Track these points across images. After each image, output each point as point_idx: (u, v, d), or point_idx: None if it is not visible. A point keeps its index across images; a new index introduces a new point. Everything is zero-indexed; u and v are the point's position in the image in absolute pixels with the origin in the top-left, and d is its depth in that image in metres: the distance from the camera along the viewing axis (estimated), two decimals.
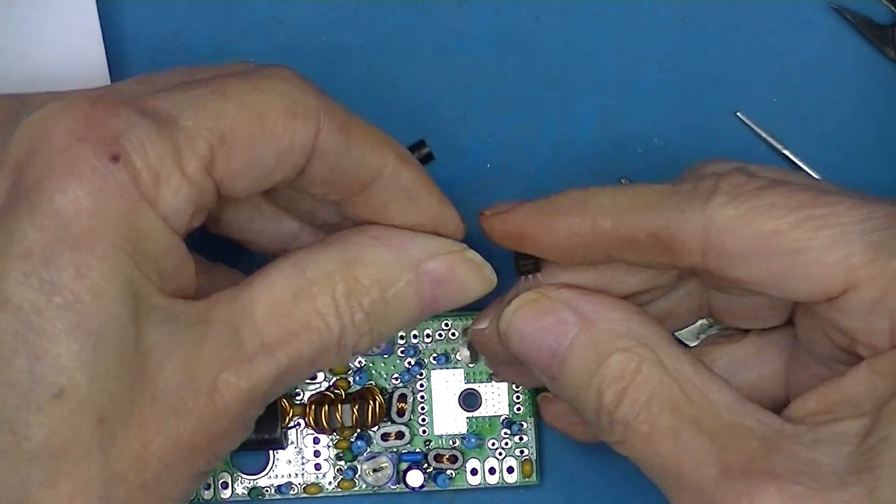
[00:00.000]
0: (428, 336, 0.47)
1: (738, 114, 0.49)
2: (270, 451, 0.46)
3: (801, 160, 0.49)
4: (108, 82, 0.48)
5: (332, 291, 0.39)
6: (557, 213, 0.40)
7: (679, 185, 0.40)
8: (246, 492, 0.46)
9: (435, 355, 0.47)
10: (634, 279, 0.42)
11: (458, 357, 0.47)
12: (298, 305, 0.39)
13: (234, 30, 0.49)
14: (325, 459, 0.46)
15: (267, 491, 0.46)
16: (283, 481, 0.46)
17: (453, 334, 0.47)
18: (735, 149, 0.49)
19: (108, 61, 0.49)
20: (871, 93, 0.50)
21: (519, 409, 0.47)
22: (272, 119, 0.38)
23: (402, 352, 0.47)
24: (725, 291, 0.42)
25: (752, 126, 0.49)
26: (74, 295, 0.35)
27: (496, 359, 0.45)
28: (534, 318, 0.41)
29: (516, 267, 0.42)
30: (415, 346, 0.47)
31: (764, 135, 0.49)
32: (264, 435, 0.45)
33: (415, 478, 0.46)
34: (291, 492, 0.46)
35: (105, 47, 0.49)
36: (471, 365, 0.47)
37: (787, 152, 0.49)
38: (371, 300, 0.40)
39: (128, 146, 0.36)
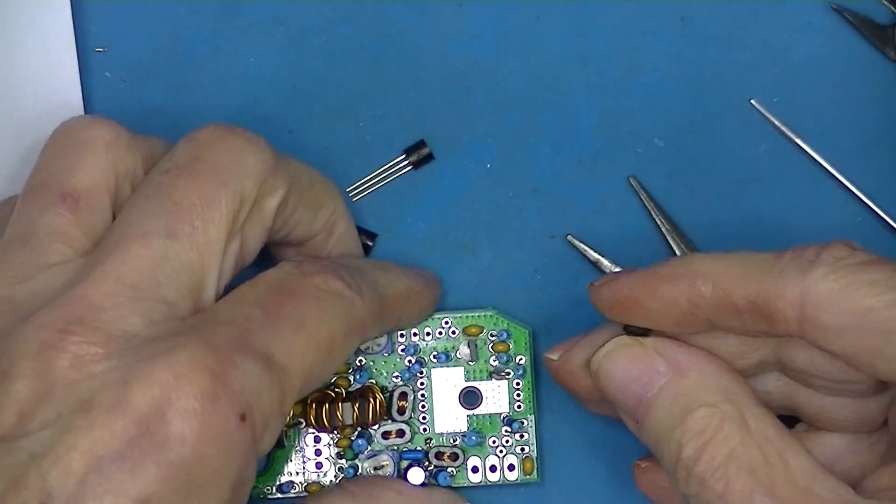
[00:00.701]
0: (428, 334, 0.47)
1: (751, 101, 0.49)
2: (271, 451, 0.46)
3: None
4: (79, 89, 0.48)
5: None
6: (660, 279, 0.41)
7: (782, 254, 0.40)
8: None
9: (435, 353, 0.47)
10: (730, 349, 0.42)
11: (458, 355, 0.47)
12: None
13: (234, 30, 0.49)
14: (326, 458, 0.46)
15: (268, 490, 0.46)
16: (284, 480, 0.46)
17: (453, 332, 0.47)
18: (735, 148, 0.49)
19: (108, 61, 0.49)
20: (871, 93, 0.50)
21: (519, 406, 0.47)
22: (337, 343, 0.41)
23: (402, 350, 0.47)
24: (814, 388, 0.42)
25: (767, 114, 0.49)
26: None
27: (565, 388, 0.46)
28: (625, 362, 0.42)
29: None
30: (415, 345, 0.47)
31: (778, 123, 0.49)
32: None
33: (416, 475, 0.46)
34: (293, 490, 0.46)
35: (106, 47, 0.49)
36: (471, 363, 0.47)
37: (793, 145, 0.49)
38: None
39: (252, 402, 0.38)
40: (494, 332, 0.47)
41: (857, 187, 0.49)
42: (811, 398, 0.43)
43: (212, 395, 0.37)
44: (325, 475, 0.46)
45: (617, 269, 0.48)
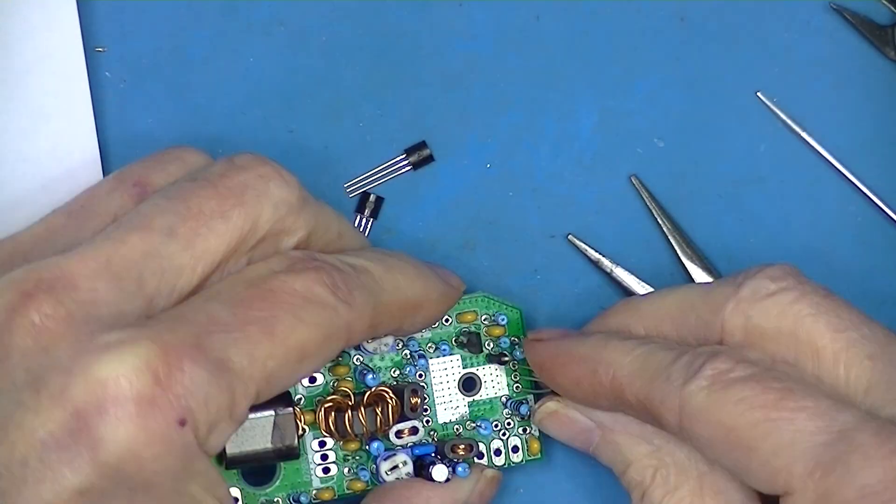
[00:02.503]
0: None
1: (757, 93, 0.49)
2: (280, 463, 0.46)
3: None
4: (87, 88, 0.48)
5: None
6: (570, 358, 0.44)
7: (679, 356, 0.42)
8: None
9: (431, 344, 0.46)
10: None
11: (456, 344, 0.47)
12: None
13: (234, 30, 0.49)
14: (333, 462, 0.46)
15: (278, 502, 0.46)
16: (293, 490, 0.46)
17: (447, 320, 0.46)
18: (735, 148, 0.49)
19: (108, 61, 0.49)
20: (871, 93, 0.50)
21: (518, 387, 0.47)
22: (310, 350, 0.41)
23: (398, 345, 0.46)
24: None
25: (772, 106, 0.49)
26: None
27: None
28: (556, 427, 0.46)
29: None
30: (410, 338, 0.46)
31: (783, 116, 0.49)
32: (281, 449, 0.45)
33: (440, 473, 0.45)
34: (303, 499, 0.46)
35: (106, 47, 0.49)
36: (473, 354, 0.47)
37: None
38: None
39: (194, 407, 0.38)
40: (487, 315, 0.47)
41: (856, 187, 0.49)
42: None
43: (150, 399, 0.37)
44: (332, 480, 0.46)
45: (610, 269, 0.49)
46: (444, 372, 0.47)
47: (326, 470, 0.46)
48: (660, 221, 0.49)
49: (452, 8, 0.50)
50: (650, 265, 0.49)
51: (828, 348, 0.41)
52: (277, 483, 0.46)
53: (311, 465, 0.46)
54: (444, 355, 0.47)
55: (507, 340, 0.47)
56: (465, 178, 0.49)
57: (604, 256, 0.49)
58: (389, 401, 0.45)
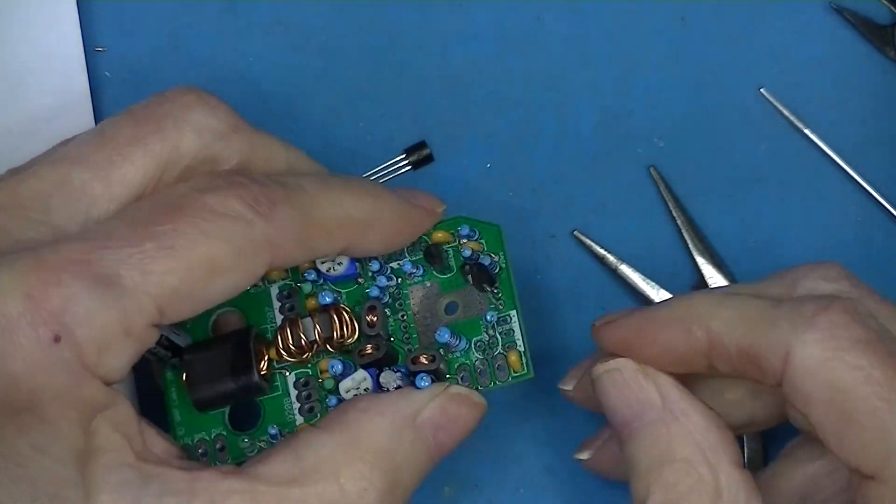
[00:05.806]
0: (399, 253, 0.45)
1: (760, 90, 0.49)
2: (262, 404, 0.44)
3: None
4: (87, 87, 0.48)
5: (338, 479, 0.40)
6: (657, 325, 0.41)
7: (780, 304, 0.39)
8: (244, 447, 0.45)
9: (408, 270, 0.45)
10: (737, 415, 0.43)
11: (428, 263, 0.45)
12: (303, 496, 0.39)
13: (234, 30, 0.49)
14: (317, 401, 0.44)
15: (262, 444, 0.44)
16: (273, 431, 0.44)
17: (423, 244, 0.45)
18: (735, 147, 0.49)
19: (108, 60, 0.49)
20: (871, 93, 0.50)
21: (501, 305, 0.44)
22: (221, 264, 0.39)
23: (375, 271, 0.45)
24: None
25: (776, 103, 0.49)
26: (15, 448, 0.36)
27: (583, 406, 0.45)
28: (622, 385, 0.41)
29: None
30: (383, 262, 0.45)
31: (787, 113, 0.49)
32: (240, 381, 0.43)
33: (386, 378, 0.43)
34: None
35: (105, 46, 0.49)
36: (441, 273, 0.45)
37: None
38: (382, 473, 0.40)
39: (70, 322, 0.37)
40: (464, 234, 0.45)
41: (855, 187, 0.49)
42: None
43: (20, 314, 0.37)
44: (315, 416, 0.44)
45: (616, 265, 0.49)
46: (422, 297, 0.45)
47: (311, 409, 0.44)
48: (674, 214, 0.49)
49: (452, 8, 0.50)
50: (652, 264, 0.49)
51: None
52: (260, 425, 0.45)
53: (294, 404, 0.45)
54: (421, 282, 0.45)
55: (482, 256, 0.45)
56: (465, 178, 0.49)
57: (609, 253, 0.49)
58: (334, 319, 0.44)
